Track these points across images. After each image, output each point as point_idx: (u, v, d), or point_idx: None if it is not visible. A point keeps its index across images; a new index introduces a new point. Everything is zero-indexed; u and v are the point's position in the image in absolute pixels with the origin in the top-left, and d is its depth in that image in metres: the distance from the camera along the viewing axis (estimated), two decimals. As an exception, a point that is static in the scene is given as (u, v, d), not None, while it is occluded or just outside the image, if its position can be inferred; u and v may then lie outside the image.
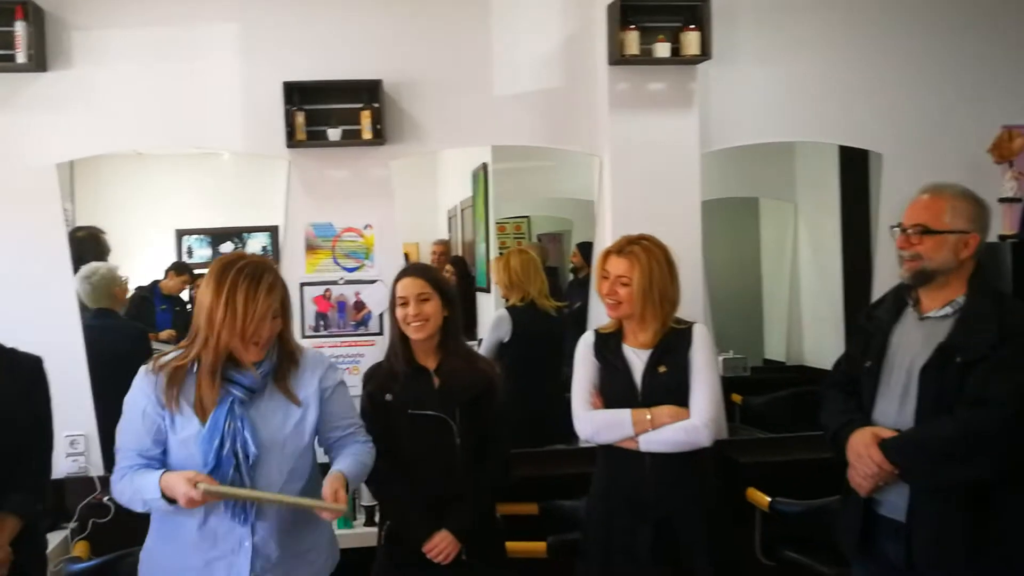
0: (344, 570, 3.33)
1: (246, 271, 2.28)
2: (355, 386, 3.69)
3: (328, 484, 2.32)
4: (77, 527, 3.43)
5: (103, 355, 3.64)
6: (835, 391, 2.69)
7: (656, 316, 2.85)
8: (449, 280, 2.92)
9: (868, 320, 2.68)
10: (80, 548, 3.27)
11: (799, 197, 4.72)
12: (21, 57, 3.45)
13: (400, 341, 2.84)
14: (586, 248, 4.37)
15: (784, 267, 4.78)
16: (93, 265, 3.93)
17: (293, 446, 2.38)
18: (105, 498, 3.44)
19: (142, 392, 2.33)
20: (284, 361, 2.41)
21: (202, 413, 2.29)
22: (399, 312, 2.81)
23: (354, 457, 2.48)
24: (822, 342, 2.84)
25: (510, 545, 3.00)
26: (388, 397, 2.78)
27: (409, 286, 2.80)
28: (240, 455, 2.26)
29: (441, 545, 2.71)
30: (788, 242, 4.75)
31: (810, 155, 4.51)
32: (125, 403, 2.37)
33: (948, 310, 2.47)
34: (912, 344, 2.50)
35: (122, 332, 3.90)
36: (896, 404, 2.49)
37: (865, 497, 2.51)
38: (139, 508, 2.34)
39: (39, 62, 3.50)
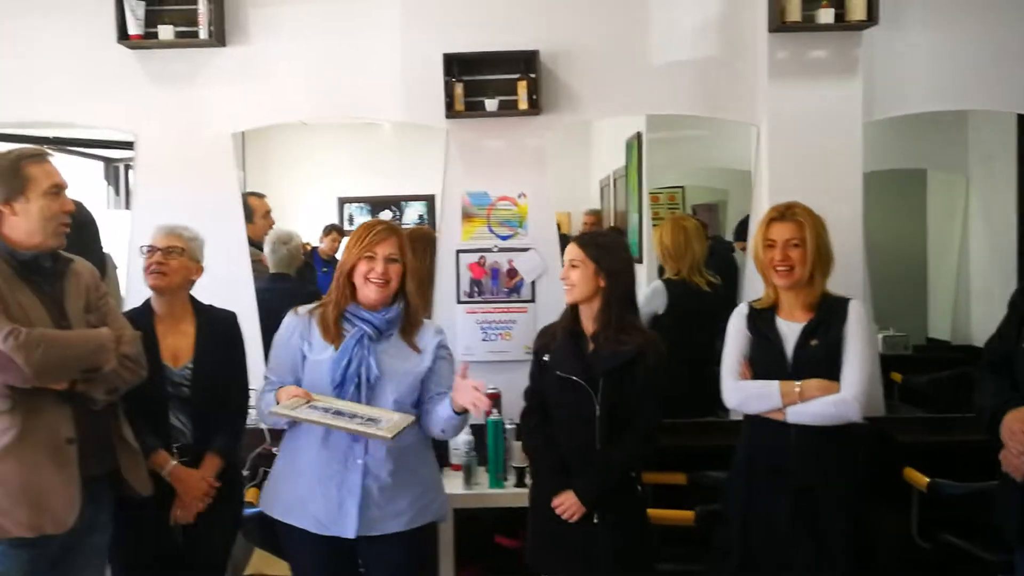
0: (494, 528, 3.45)
1: (375, 222, 2.81)
2: (507, 352, 3.80)
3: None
4: (248, 475, 3.66)
5: (277, 316, 3.84)
6: (989, 371, 2.63)
7: (823, 276, 2.85)
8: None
9: (1022, 298, 2.61)
10: (251, 494, 3.48)
11: (971, 170, 4.49)
12: (203, 33, 3.70)
13: (570, 305, 2.95)
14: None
15: (952, 243, 4.56)
16: (287, 232, 4.24)
17: (407, 381, 2.76)
18: (274, 448, 3.66)
19: (288, 329, 2.84)
20: (410, 319, 2.80)
21: (336, 342, 2.73)
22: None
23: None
24: (992, 321, 2.73)
25: (658, 513, 3.03)
26: (546, 358, 2.93)
27: (566, 251, 2.95)
28: (363, 376, 2.69)
29: (566, 503, 2.80)
30: (958, 217, 4.53)
31: (984, 125, 4.27)
32: (274, 340, 2.87)
33: None
34: None
35: (298, 295, 4.07)
36: None
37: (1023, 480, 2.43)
38: (268, 423, 2.84)
39: (219, 37, 3.72)
